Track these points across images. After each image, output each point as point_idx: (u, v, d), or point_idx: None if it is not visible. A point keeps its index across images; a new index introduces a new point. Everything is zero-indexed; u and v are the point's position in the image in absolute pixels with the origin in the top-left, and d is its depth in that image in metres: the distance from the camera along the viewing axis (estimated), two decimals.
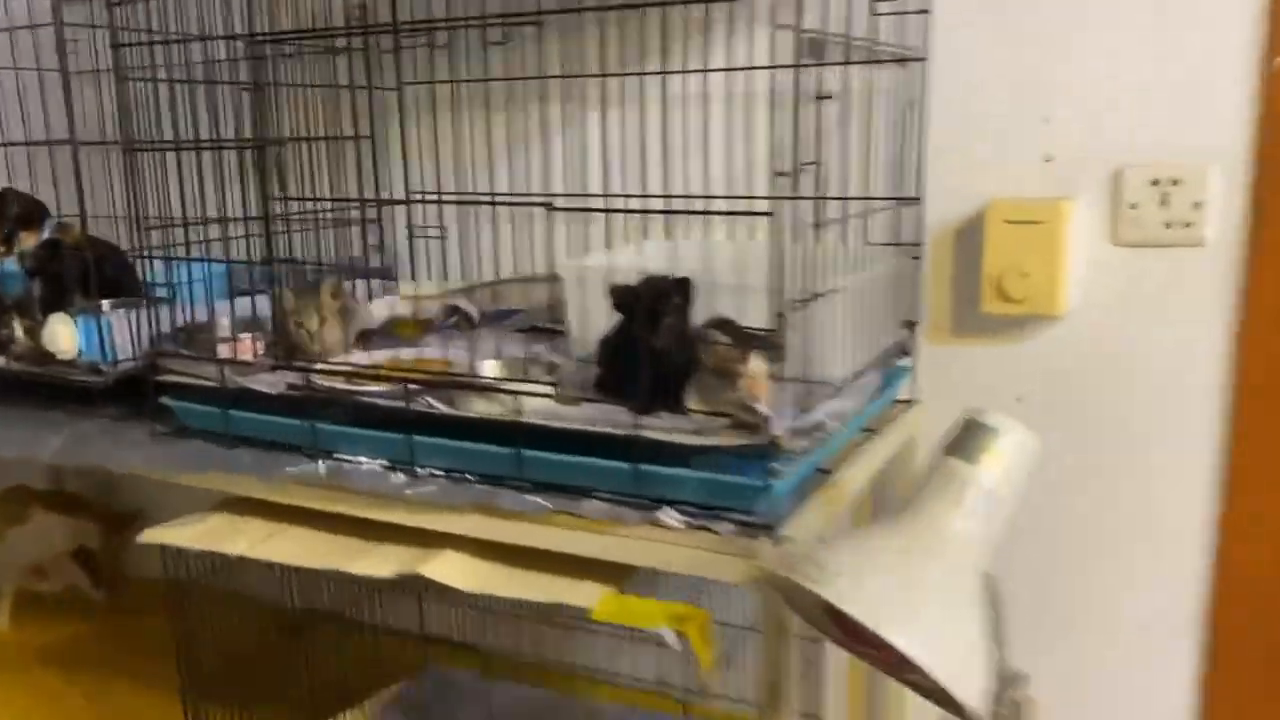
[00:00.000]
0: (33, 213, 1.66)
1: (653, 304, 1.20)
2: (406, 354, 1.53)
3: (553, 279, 1.71)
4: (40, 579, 2.30)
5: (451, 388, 1.31)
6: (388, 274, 2.05)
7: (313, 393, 1.38)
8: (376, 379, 1.37)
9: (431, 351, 1.52)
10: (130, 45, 1.44)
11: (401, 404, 1.32)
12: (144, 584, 2.45)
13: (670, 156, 1.76)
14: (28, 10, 2.18)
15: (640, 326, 1.21)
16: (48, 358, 1.64)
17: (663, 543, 1.15)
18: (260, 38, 1.34)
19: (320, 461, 1.37)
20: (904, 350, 1.57)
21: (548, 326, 1.73)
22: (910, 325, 1.57)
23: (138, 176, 1.49)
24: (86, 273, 1.70)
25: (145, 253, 1.51)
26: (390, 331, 1.77)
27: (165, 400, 1.52)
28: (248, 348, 1.50)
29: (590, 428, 1.20)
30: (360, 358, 1.51)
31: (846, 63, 1.45)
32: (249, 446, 1.45)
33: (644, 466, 1.18)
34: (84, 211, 1.54)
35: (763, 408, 1.14)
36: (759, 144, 1.69)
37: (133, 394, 1.60)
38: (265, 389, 1.41)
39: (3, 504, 2.25)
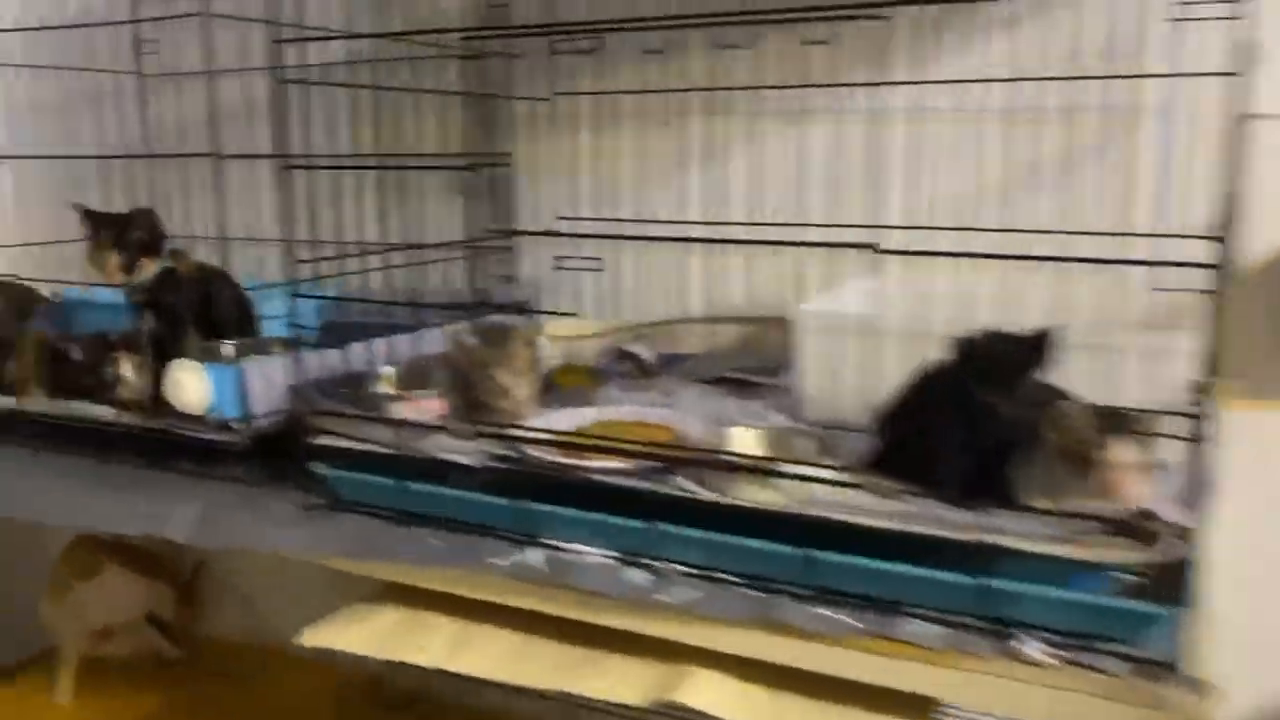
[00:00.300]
0: (156, 237, 1.40)
1: (1004, 363, 0.96)
2: (611, 414, 1.28)
3: (767, 321, 1.47)
4: (105, 641, 2.03)
5: (715, 467, 1.06)
6: (523, 309, 1.80)
7: (535, 469, 1.12)
8: (604, 451, 1.12)
9: (650, 413, 1.27)
10: (294, 41, 1.19)
11: (650, 486, 1.07)
12: (215, 644, 2.19)
13: (885, 179, 1.52)
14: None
15: (988, 391, 0.96)
16: (164, 408, 1.38)
17: (1026, 682, 0.90)
18: (487, 33, 1.09)
19: (529, 550, 1.12)
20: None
21: (743, 377, 1.48)
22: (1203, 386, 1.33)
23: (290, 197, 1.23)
24: (207, 308, 1.45)
25: (299, 288, 1.25)
26: (553, 380, 1.52)
27: (318, 467, 1.26)
28: (430, 407, 1.25)
29: (920, 529, 0.96)
30: (564, 418, 1.26)
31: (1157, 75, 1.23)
32: (423, 525, 1.20)
33: (994, 581, 0.93)
34: (225, 236, 1.29)
35: (1166, 512, 0.90)
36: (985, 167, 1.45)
37: (265, 454, 1.35)
38: (463, 460, 1.16)
39: (72, 552, 1.98)
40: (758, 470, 1.04)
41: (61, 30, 2.05)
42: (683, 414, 1.26)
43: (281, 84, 1.18)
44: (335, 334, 1.58)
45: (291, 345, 1.42)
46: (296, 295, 1.24)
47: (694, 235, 1.45)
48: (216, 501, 1.30)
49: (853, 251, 1.47)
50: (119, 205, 2.04)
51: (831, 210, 1.55)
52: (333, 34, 1.21)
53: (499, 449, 1.16)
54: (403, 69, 1.72)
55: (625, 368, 1.56)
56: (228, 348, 1.42)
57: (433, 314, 1.61)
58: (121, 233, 1.36)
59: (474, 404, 1.27)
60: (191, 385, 1.31)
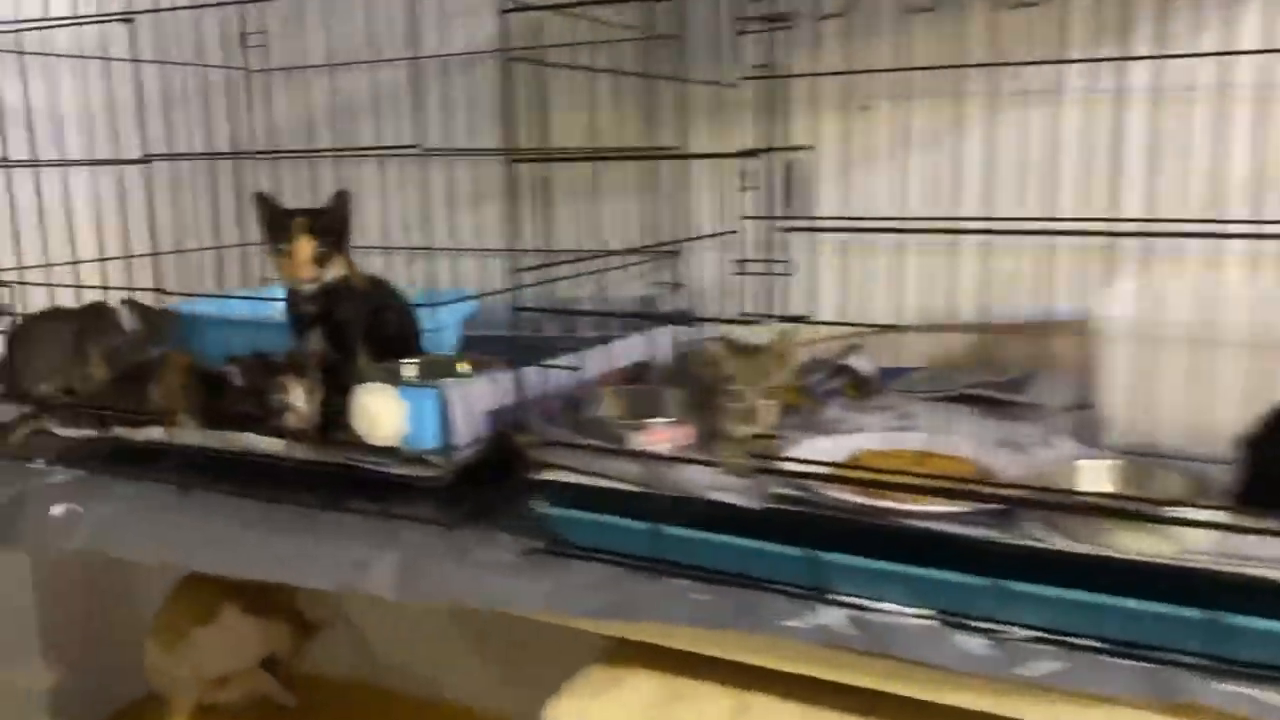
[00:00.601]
0: (347, 232, 1.22)
1: None
2: (878, 442, 1.10)
3: (1056, 328, 1.29)
4: (218, 689, 1.84)
5: (1088, 511, 0.87)
6: (686, 319, 1.62)
7: (834, 512, 0.94)
8: (916, 490, 0.94)
9: (930, 442, 1.09)
10: (523, 10, 1.01)
11: (992, 533, 0.89)
12: (324, 684, 2.02)
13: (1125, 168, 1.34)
14: None
15: None
16: (335, 438, 1.20)
17: None
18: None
19: (823, 609, 0.94)
20: None
21: (986, 394, 1.31)
22: None
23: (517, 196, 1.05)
24: (375, 324, 1.28)
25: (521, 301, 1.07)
26: None
27: (540, 506, 1.08)
28: (674, 436, 1.07)
29: None
30: (826, 447, 1.08)
31: None
32: (674, 575, 1.01)
33: None
34: (436, 245, 1.10)
35: None
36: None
37: (465, 491, 1.17)
38: (740, 501, 0.98)
39: (184, 593, 1.79)
40: (1141, 516, 0.85)
41: (155, 25, 1.87)
42: (971, 442, 1.08)
43: (509, 61, 1.00)
44: (480, 349, 1.41)
45: (486, 364, 1.25)
46: (522, 309, 1.06)
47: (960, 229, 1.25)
48: (414, 546, 1.12)
49: (1098, 251, 1.31)
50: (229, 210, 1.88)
51: (1078, 202, 1.37)
52: (567, 2, 1.03)
53: (782, 487, 0.97)
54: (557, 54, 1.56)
55: (838, 384, 1.38)
56: (409, 369, 1.24)
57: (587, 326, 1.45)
58: (318, 219, 1.18)
59: (711, 430, 1.09)
60: (386, 413, 1.13)
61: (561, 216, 1.61)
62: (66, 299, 1.52)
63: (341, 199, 1.21)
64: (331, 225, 1.20)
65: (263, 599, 1.80)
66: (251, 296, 1.38)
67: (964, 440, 1.08)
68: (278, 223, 1.20)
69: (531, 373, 1.21)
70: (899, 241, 1.44)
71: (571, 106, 1.57)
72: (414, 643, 1.94)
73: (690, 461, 1.00)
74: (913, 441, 1.10)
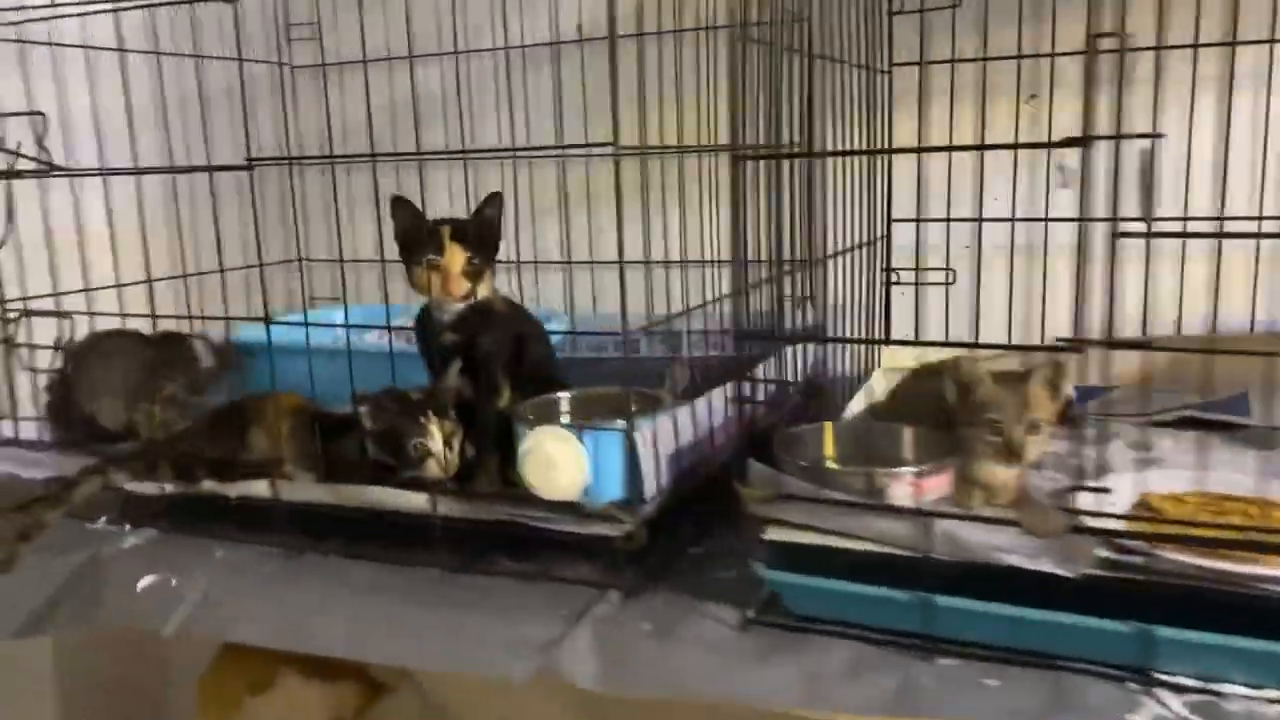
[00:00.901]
0: (496, 247, 1.03)
1: None
2: (1153, 482, 0.94)
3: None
4: None
5: None
6: (816, 336, 1.45)
7: (1176, 579, 0.78)
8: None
9: (1224, 481, 0.93)
10: None
11: None
12: None
13: None
14: None
15: None
16: (483, 489, 1.01)
17: None
18: None
19: (1162, 695, 0.78)
20: None
21: (1206, 416, 1.16)
22: None
23: (746, 195, 0.87)
24: (521, 352, 1.09)
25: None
26: None
27: (763, 570, 0.90)
28: (936, 485, 0.90)
29: None
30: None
31: None
32: (956, 657, 0.84)
33: None
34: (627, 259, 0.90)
35: None
36: None
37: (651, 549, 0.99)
38: (1051, 568, 0.80)
39: (234, 657, 1.56)
40: None
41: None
42: (1261, 479, 0.93)
43: (742, 43, 0.82)
44: (576, 374, 1.23)
45: (649, 398, 1.07)
46: (747, 336, 0.88)
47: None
48: (603, 620, 0.93)
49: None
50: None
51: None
52: None
53: (1102, 549, 0.81)
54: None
55: None
56: (565, 406, 1.06)
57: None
58: (468, 228, 0.99)
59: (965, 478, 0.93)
60: (566, 460, 0.94)
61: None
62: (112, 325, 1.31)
63: (493, 204, 1.01)
64: (483, 235, 1.00)
65: (325, 659, 1.58)
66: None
67: (1250, 478, 0.93)
68: (421, 231, 1.00)
69: (712, 407, 1.03)
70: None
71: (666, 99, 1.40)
72: (490, 697, 1.74)
73: (993, 522, 0.83)
74: (1190, 481, 0.94)
